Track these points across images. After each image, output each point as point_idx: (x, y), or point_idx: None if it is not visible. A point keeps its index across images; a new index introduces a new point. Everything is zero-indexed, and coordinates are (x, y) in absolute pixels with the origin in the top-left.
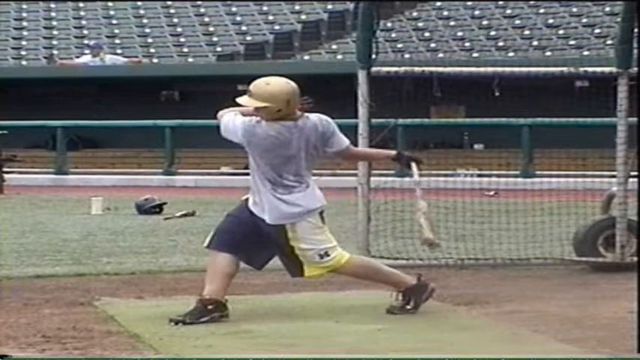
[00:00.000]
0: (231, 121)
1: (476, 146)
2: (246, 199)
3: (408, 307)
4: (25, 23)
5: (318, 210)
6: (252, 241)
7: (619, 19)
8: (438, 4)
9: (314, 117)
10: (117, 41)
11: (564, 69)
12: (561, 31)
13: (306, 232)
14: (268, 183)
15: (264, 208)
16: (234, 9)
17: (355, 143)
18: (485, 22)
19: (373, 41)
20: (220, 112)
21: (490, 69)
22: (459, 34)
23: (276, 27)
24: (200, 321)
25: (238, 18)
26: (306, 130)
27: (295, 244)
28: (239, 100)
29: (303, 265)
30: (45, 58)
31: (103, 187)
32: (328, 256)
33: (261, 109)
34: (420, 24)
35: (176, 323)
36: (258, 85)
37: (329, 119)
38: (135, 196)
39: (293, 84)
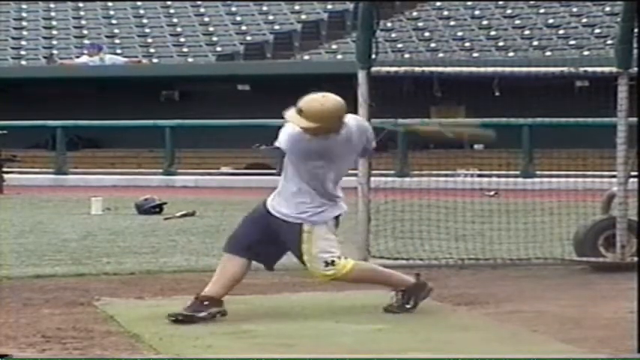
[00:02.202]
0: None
1: (476, 146)
2: (259, 206)
3: (407, 305)
4: (24, 23)
5: (337, 215)
6: (266, 242)
7: (619, 19)
8: (438, 4)
9: (352, 119)
10: (117, 41)
11: (564, 69)
12: (561, 31)
13: (320, 235)
14: (313, 191)
15: (287, 206)
16: (234, 9)
17: None
18: (485, 22)
19: (373, 41)
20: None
21: (490, 69)
22: (459, 34)
23: (276, 27)
24: (198, 316)
25: (238, 18)
26: (347, 135)
27: (306, 247)
28: (288, 116)
29: (307, 267)
30: (45, 58)
31: (103, 187)
32: (333, 265)
33: (312, 128)
34: (420, 24)
35: (175, 319)
36: (312, 104)
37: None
38: (135, 196)
39: (342, 101)
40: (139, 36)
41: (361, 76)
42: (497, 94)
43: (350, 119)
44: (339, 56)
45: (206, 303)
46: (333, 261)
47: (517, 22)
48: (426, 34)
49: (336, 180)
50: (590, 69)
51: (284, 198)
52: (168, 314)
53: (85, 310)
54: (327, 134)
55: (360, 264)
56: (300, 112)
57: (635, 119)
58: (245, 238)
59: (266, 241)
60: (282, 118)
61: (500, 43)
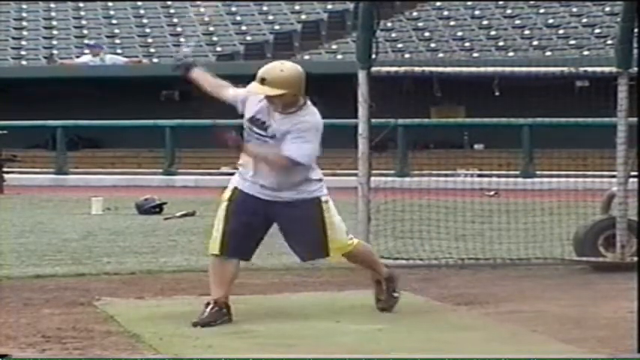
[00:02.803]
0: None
1: (476, 146)
2: (233, 195)
3: (395, 294)
4: (25, 23)
5: None
6: (254, 236)
7: (619, 19)
8: (438, 4)
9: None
10: (117, 41)
11: (564, 69)
12: (561, 31)
13: (333, 208)
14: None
15: (295, 188)
16: (234, 9)
17: (355, 143)
18: (485, 22)
19: (373, 41)
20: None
21: (490, 69)
22: (459, 34)
23: (276, 27)
24: (217, 323)
25: (238, 18)
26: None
27: (328, 217)
28: (252, 87)
29: (329, 242)
30: (45, 58)
31: (103, 187)
32: (350, 235)
33: (278, 96)
34: (420, 24)
35: (202, 326)
36: (273, 72)
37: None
38: (135, 196)
39: (300, 67)
40: (139, 36)
41: (361, 76)
42: (497, 94)
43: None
44: (339, 56)
45: (224, 311)
46: (347, 231)
47: (517, 22)
48: (426, 34)
49: None
50: (590, 69)
51: (292, 181)
52: (194, 322)
53: (85, 310)
54: (292, 104)
55: (361, 241)
56: (262, 81)
57: (635, 119)
58: (238, 237)
59: (250, 234)
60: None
61: (500, 43)
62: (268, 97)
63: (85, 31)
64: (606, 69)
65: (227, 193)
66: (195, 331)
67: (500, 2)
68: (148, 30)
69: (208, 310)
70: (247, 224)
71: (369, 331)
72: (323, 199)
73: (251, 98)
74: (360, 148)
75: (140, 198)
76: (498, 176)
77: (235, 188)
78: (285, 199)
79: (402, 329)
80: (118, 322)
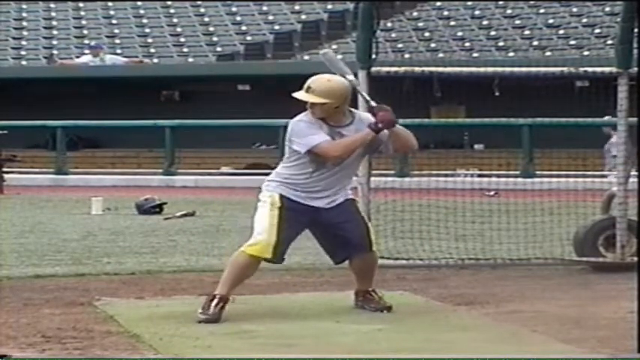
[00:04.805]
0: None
1: (476, 146)
2: (282, 202)
3: (380, 295)
4: (25, 23)
5: None
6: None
7: (619, 19)
8: (438, 4)
9: (364, 114)
10: (117, 41)
11: (564, 69)
12: (561, 31)
13: None
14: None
15: (339, 192)
16: (234, 9)
17: None
18: (485, 22)
19: (373, 41)
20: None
21: (490, 69)
22: (459, 34)
23: (276, 27)
24: (219, 321)
25: (238, 18)
26: (358, 127)
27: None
28: (297, 95)
29: (370, 234)
30: (45, 58)
31: (103, 187)
32: None
33: (320, 105)
34: (420, 24)
35: (208, 322)
36: (319, 81)
37: None
38: (135, 196)
39: (347, 82)
40: (139, 36)
41: (361, 76)
42: (497, 94)
43: (364, 114)
44: (339, 56)
45: (221, 305)
46: None
47: (517, 22)
48: (426, 34)
49: None
50: (590, 69)
51: (343, 186)
52: (200, 319)
53: (85, 310)
54: (336, 113)
55: None
56: (308, 89)
57: (635, 119)
58: (287, 245)
59: (293, 241)
60: (282, 117)
61: (500, 43)
62: (311, 105)
63: (85, 31)
64: (606, 69)
65: (274, 199)
66: (196, 331)
67: (500, 2)
68: (147, 30)
69: (213, 306)
70: (298, 233)
71: (369, 331)
72: (354, 197)
73: (321, 127)
74: None
75: (140, 198)
76: (498, 176)
77: (282, 195)
78: (337, 202)
79: (402, 329)
80: (118, 322)
